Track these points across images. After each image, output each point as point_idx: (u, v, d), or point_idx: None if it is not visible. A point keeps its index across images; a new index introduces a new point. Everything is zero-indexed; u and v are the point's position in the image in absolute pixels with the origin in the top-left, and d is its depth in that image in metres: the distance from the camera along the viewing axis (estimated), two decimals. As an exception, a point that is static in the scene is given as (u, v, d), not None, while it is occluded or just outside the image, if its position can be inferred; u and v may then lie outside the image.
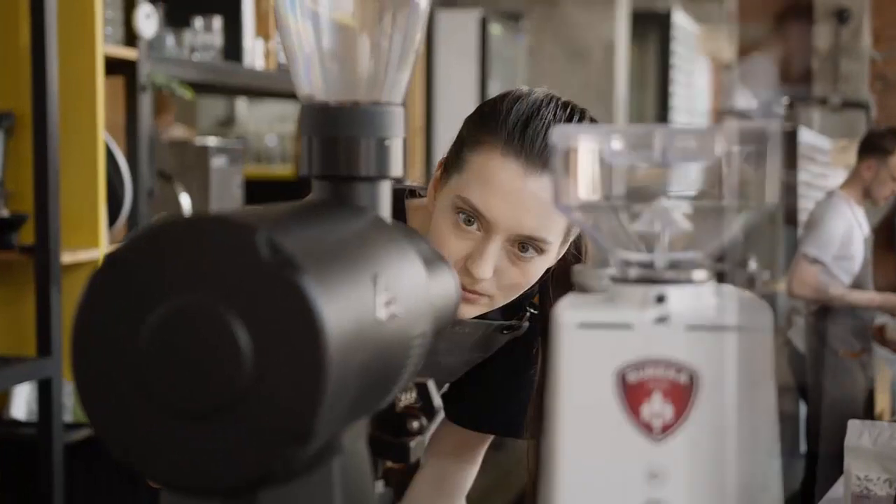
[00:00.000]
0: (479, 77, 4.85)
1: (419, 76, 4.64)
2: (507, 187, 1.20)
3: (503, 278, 1.24)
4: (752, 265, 4.57)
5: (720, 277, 0.70)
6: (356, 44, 0.82)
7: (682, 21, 7.59)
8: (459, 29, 4.92)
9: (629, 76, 6.23)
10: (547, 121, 1.23)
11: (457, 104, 5.11)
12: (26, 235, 2.41)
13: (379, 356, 0.69)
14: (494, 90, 6.12)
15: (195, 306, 0.61)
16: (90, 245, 2.51)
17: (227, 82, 3.13)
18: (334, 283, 0.64)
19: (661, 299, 0.69)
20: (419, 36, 0.84)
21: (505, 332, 1.40)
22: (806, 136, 7.32)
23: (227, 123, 5.72)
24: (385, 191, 0.82)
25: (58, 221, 2.36)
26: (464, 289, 1.22)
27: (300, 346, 0.60)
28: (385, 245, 0.75)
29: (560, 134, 0.71)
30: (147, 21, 2.65)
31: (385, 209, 0.82)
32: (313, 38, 0.82)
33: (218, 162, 3.01)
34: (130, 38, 2.66)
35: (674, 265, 0.71)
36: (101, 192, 2.50)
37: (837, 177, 8.64)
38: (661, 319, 0.68)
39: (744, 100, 5.21)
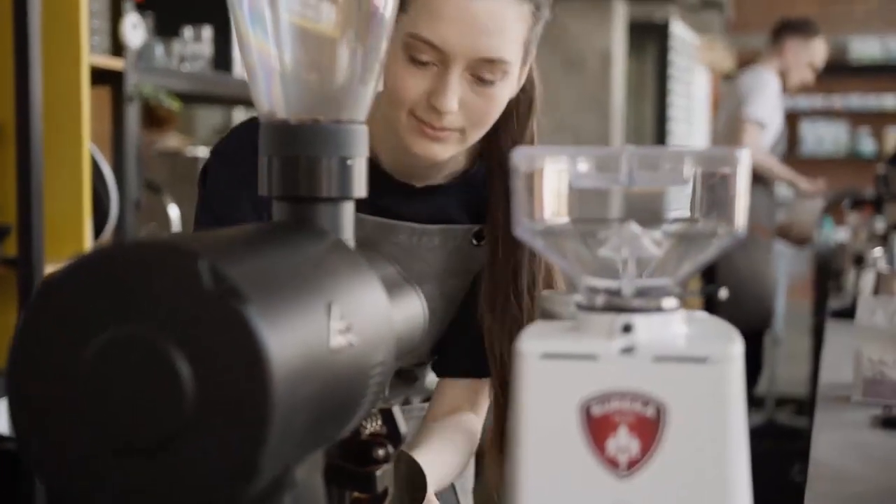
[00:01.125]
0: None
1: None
2: (454, 12, 1.16)
3: (470, 110, 1.21)
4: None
5: (709, 300, 0.67)
6: (317, 59, 0.79)
7: (680, 31, 7.57)
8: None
9: (626, 86, 6.21)
10: None
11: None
12: (9, 247, 2.38)
13: (333, 387, 0.66)
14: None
15: (135, 336, 0.58)
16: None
17: (216, 92, 3.10)
18: (283, 311, 0.61)
19: (627, 329, 0.66)
20: (383, 49, 0.82)
21: (475, 242, 1.36)
22: (678, 29, 7.29)
23: (223, 132, 5.70)
24: (348, 212, 0.80)
25: (41, 234, 2.33)
26: (432, 127, 1.21)
27: (243, 378, 0.57)
28: (344, 270, 0.72)
29: (523, 155, 0.68)
30: (134, 31, 2.62)
31: (347, 231, 0.79)
32: (273, 52, 0.79)
33: (208, 173, 2.97)
34: (118, 47, 2.64)
35: (642, 292, 0.68)
36: (86, 203, 2.47)
37: (701, 74, 8.63)
38: (627, 350, 0.66)
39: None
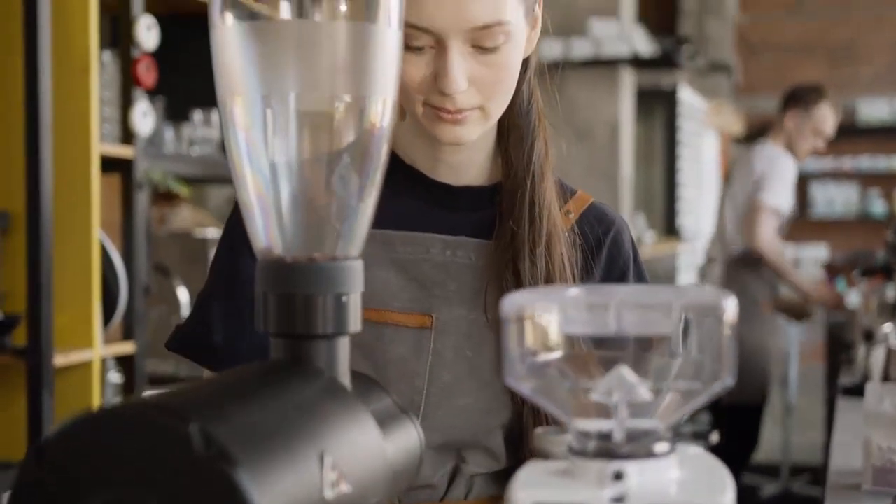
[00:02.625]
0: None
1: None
2: None
3: (481, 83, 1.12)
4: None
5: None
6: (312, 198, 0.80)
7: (688, 97, 7.61)
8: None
9: (635, 152, 6.24)
10: None
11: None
12: (18, 337, 2.40)
13: (326, 537, 0.66)
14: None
15: (126, 501, 0.59)
16: (84, 346, 2.49)
17: (225, 175, 3.13)
18: (274, 470, 0.61)
19: (618, 476, 0.67)
20: (376, 187, 0.83)
21: None
22: (685, 95, 7.30)
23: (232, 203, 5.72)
24: (343, 347, 0.80)
25: (50, 324, 2.34)
26: (448, 111, 1.12)
27: (235, 543, 0.57)
28: (336, 414, 0.72)
29: (511, 303, 0.69)
30: (144, 119, 2.65)
31: (343, 366, 0.80)
32: (269, 190, 0.80)
33: (217, 254, 2.99)
34: (128, 135, 2.66)
35: (633, 436, 0.69)
36: (95, 292, 2.49)
37: (710, 137, 8.64)
38: (619, 499, 0.66)
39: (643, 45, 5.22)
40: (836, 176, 10.20)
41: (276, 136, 0.79)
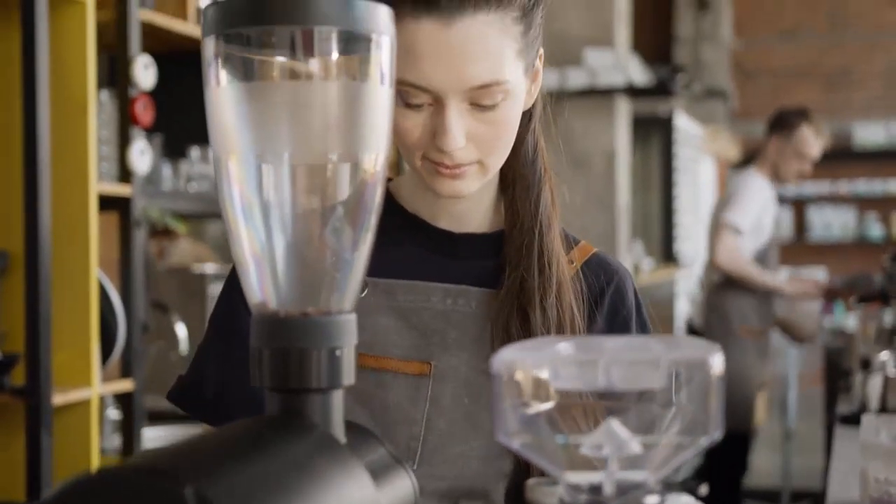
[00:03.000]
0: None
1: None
2: (430, 47, 1.08)
3: (479, 140, 1.12)
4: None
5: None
6: (306, 254, 0.82)
7: (684, 123, 7.64)
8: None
9: (632, 179, 6.26)
10: None
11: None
12: (17, 376, 2.40)
13: None
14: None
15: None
16: (83, 385, 2.49)
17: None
18: (269, 529, 0.62)
19: (609, 530, 0.67)
20: (369, 241, 0.84)
21: None
22: (682, 122, 7.33)
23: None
24: (337, 400, 0.81)
25: (49, 365, 2.35)
26: (446, 166, 1.13)
27: None
28: (330, 469, 0.73)
29: (502, 359, 0.70)
30: (141, 157, 2.67)
31: (337, 419, 0.81)
32: (263, 246, 0.82)
33: (216, 289, 3.01)
34: (125, 173, 2.68)
35: (623, 489, 0.70)
36: (93, 330, 2.50)
37: (707, 163, 8.66)
38: (609, 553, 0.66)
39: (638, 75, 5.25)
40: (834, 200, 10.23)
41: (270, 193, 0.81)
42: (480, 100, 1.10)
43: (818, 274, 10.08)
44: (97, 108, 2.58)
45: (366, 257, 0.84)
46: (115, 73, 2.74)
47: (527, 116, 1.21)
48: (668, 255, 7.42)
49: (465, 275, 1.22)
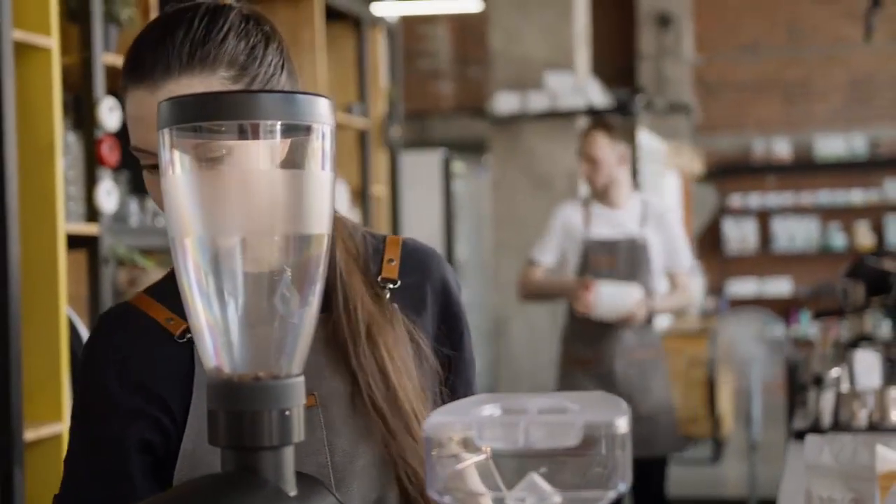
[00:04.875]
0: (445, 214, 4.94)
1: (385, 215, 4.75)
2: (141, 112, 1.16)
3: None
4: None
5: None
6: (256, 323, 0.89)
7: (647, 141, 7.75)
8: (425, 168, 5.04)
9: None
10: (164, 24, 1.19)
11: (423, 240, 5.22)
12: (-11, 414, 2.46)
13: None
14: (460, 224, 6.25)
15: None
16: (54, 420, 2.55)
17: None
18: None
19: (530, 576, 0.75)
20: (314, 310, 0.91)
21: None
22: (645, 139, 7.46)
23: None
24: (288, 456, 0.89)
25: (20, 402, 2.41)
26: None
27: None
28: (280, 525, 0.81)
29: (431, 424, 0.78)
30: (108, 197, 2.73)
31: (288, 474, 0.88)
32: (217, 317, 0.89)
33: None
34: (93, 212, 2.74)
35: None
36: (63, 366, 2.55)
37: (671, 177, 8.80)
38: None
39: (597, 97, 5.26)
40: (798, 211, 10.38)
41: (222, 268, 0.89)
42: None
43: (783, 286, 10.22)
44: (64, 149, 2.64)
45: (313, 322, 0.91)
46: (80, 116, 2.81)
47: None
48: (633, 270, 7.51)
49: None
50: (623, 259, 4.03)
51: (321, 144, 0.88)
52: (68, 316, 2.61)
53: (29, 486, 2.46)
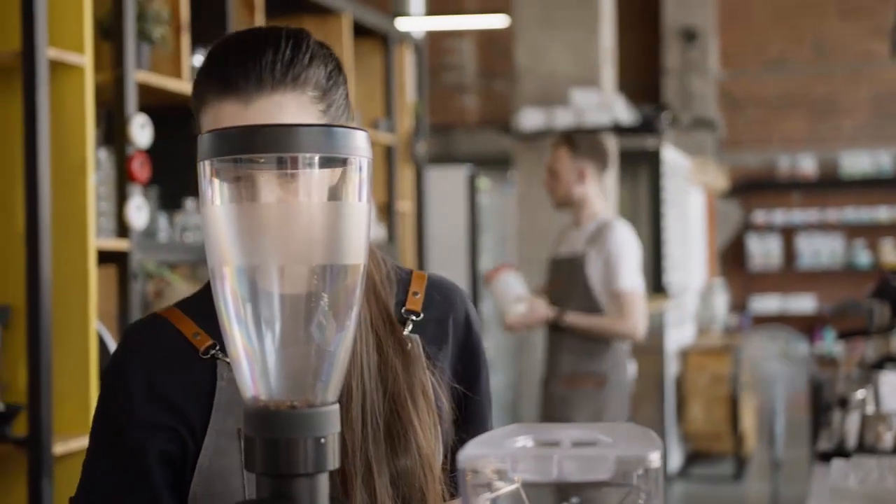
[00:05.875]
0: (470, 229, 4.96)
1: (410, 230, 4.76)
2: (233, 122, 1.18)
3: None
4: None
5: None
6: (293, 354, 0.91)
7: (671, 156, 7.75)
8: (449, 183, 5.06)
9: (621, 214, 6.35)
10: (249, 41, 1.21)
11: (449, 257, 5.24)
12: (19, 427, 2.49)
13: None
14: (485, 240, 6.27)
15: None
16: (83, 434, 2.57)
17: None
18: None
19: None
20: (349, 339, 0.93)
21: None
22: (669, 154, 7.44)
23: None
24: (323, 483, 0.90)
25: (50, 415, 2.43)
26: None
27: None
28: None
29: (467, 456, 0.79)
30: (138, 213, 2.76)
31: (322, 501, 0.90)
32: (255, 347, 0.91)
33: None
34: (123, 228, 2.77)
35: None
36: (93, 380, 2.58)
37: (696, 194, 8.76)
38: None
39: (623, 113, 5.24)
40: (823, 228, 10.33)
41: (259, 299, 0.90)
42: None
43: (807, 303, 10.16)
44: (95, 166, 2.67)
45: (348, 350, 0.93)
46: (112, 133, 2.84)
47: None
48: (657, 286, 7.51)
49: None
50: (564, 277, 3.99)
51: (358, 176, 0.89)
52: (97, 331, 2.64)
53: (57, 499, 2.48)
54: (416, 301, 1.32)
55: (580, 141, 4.05)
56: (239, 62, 1.19)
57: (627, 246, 3.91)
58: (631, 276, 3.89)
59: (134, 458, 1.23)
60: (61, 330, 2.54)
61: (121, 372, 1.27)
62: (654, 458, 0.77)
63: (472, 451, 0.79)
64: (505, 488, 0.80)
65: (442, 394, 1.28)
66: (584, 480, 0.78)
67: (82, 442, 2.57)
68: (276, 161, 0.88)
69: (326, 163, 0.88)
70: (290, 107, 1.19)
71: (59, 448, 2.49)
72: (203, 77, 1.22)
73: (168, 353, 1.27)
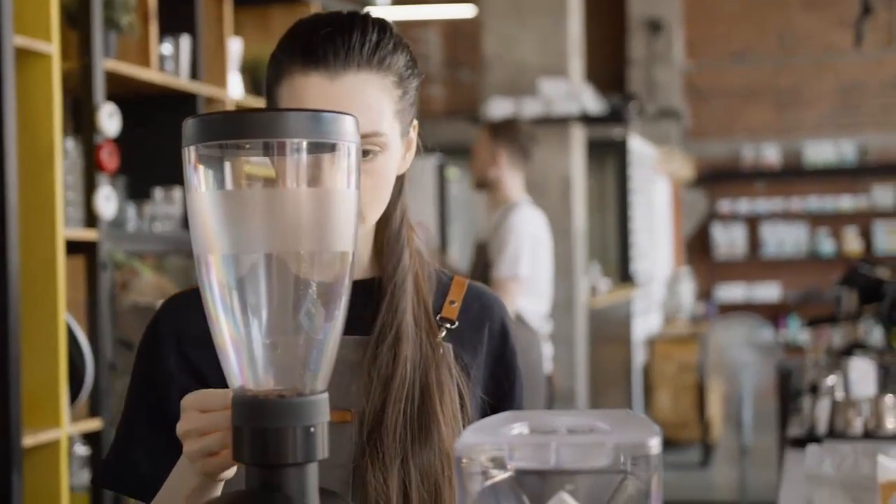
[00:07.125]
0: (439, 218, 4.95)
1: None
2: (318, 98, 1.18)
3: (360, 189, 1.15)
4: None
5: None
6: (280, 342, 0.89)
7: (638, 146, 7.77)
8: (418, 173, 5.02)
9: (588, 202, 6.36)
10: (338, 20, 1.22)
11: (417, 246, 5.21)
12: (-13, 420, 2.45)
13: None
14: (455, 229, 6.26)
15: None
16: (52, 425, 2.54)
17: (186, 249, 3.20)
18: None
19: None
20: (338, 327, 0.92)
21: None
22: (636, 144, 7.50)
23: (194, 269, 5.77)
24: (312, 473, 0.89)
25: (19, 407, 2.40)
26: None
27: None
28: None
29: (463, 444, 0.78)
30: (107, 203, 2.73)
31: (312, 491, 0.88)
32: (242, 336, 0.89)
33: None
34: (91, 218, 2.74)
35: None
36: (62, 372, 2.55)
37: (662, 183, 8.82)
38: None
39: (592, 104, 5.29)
40: (786, 217, 10.41)
41: (246, 286, 0.89)
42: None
43: (772, 291, 10.23)
44: (63, 155, 2.63)
45: (337, 339, 0.91)
46: (80, 122, 2.80)
47: (399, 183, 1.29)
48: (624, 275, 7.53)
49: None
50: (478, 263, 4.04)
51: (347, 162, 0.88)
52: (67, 322, 2.61)
53: (27, 492, 2.45)
54: (452, 309, 1.32)
55: (499, 126, 4.14)
56: (328, 38, 1.20)
57: (517, 232, 3.88)
58: (509, 265, 3.85)
59: (167, 418, 1.22)
60: (30, 321, 2.51)
61: (156, 339, 1.29)
62: (653, 445, 0.76)
63: (468, 440, 0.78)
64: (500, 476, 0.79)
65: (467, 398, 1.28)
66: (582, 468, 0.77)
67: (52, 434, 2.54)
68: (263, 146, 0.87)
69: (314, 148, 0.87)
70: (374, 87, 1.20)
71: (28, 440, 2.46)
72: (286, 49, 1.22)
73: (201, 326, 1.25)
